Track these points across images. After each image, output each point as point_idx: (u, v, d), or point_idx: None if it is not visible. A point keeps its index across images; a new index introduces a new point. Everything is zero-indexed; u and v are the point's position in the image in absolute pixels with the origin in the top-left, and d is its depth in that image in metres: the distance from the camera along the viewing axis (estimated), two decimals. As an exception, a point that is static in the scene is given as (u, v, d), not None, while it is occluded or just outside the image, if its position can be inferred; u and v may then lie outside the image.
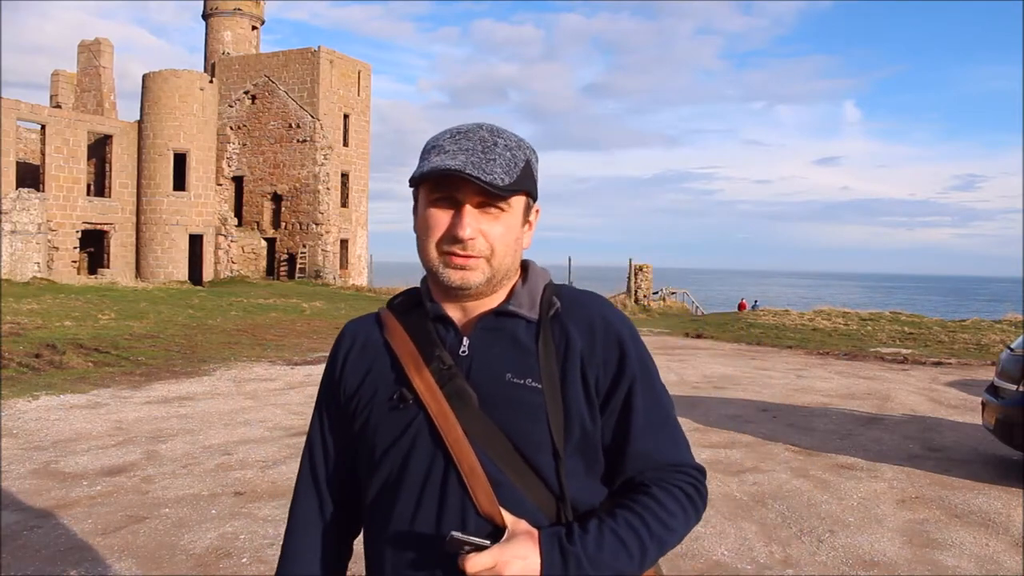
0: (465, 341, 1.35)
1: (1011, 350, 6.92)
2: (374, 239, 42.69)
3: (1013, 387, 6.50)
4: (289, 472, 6.16)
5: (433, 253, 1.32)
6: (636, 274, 33.25)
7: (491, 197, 1.28)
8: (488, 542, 1.19)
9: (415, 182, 1.33)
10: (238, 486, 5.80)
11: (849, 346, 17.23)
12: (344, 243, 38.00)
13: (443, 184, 1.29)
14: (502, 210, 1.31)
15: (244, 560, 4.41)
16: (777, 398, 10.28)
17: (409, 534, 1.30)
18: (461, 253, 1.29)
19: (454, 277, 1.31)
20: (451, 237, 1.29)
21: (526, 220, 1.38)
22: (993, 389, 6.90)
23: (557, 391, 1.30)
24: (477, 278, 1.31)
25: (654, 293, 35.65)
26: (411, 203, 1.38)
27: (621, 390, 1.34)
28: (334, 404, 1.46)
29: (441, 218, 1.31)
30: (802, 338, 18.78)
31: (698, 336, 19.42)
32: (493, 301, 1.37)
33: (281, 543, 1.50)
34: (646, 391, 1.36)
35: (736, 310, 33.33)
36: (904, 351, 16.32)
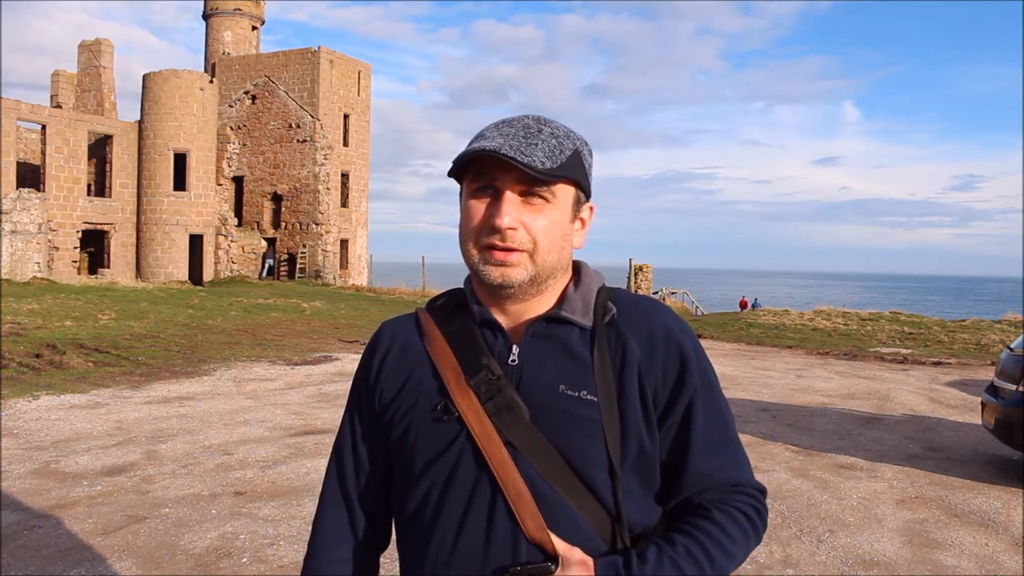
0: (515, 349, 1.27)
1: (1011, 350, 6.92)
2: (374, 239, 42.76)
3: (1013, 387, 6.50)
4: (289, 472, 6.16)
5: (473, 248, 1.24)
6: (636, 274, 33.27)
7: (532, 184, 1.20)
8: (552, 565, 1.15)
9: (456, 173, 1.26)
10: (238, 486, 5.80)
11: (849, 346, 17.23)
12: (344, 243, 38.00)
13: (483, 172, 1.22)
14: (546, 200, 1.22)
15: (244, 560, 4.41)
16: (777, 398, 10.29)
17: (453, 555, 1.23)
18: (501, 246, 1.21)
19: (494, 274, 1.22)
20: (489, 227, 1.21)
21: (576, 216, 1.28)
22: (993, 389, 6.90)
23: (614, 404, 1.23)
24: (519, 275, 1.22)
25: (654, 293, 35.70)
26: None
27: (680, 405, 1.26)
28: (368, 411, 1.37)
29: (480, 208, 1.23)
30: (802, 338, 18.78)
31: (698, 336, 19.40)
32: (543, 305, 1.29)
33: (304, 557, 1.42)
34: (707, 406, 1.28)
35: (738, 309, 33.35)
36: (904, 351, 16.32)
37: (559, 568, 1.16)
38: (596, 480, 1.22)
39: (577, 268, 1.34)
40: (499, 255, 1.22)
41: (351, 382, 1.45)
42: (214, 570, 4.27)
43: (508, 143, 1.19)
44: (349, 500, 1.39)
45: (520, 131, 1.22)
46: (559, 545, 1.17)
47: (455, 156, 1.27)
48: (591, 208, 1.33)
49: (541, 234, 1.22)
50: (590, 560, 1.17)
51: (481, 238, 1.23)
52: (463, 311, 1.33)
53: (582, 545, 1.19)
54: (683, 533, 1.22)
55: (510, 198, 1.21)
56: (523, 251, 1.22)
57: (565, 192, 1.25)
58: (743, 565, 4.42)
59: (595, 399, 1.22)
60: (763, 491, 1.31)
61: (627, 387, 1.24)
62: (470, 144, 1.25)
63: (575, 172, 1.24)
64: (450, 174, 1.28)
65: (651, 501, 1.28)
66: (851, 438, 7.88)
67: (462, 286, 1.38)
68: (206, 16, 39.19)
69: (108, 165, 32.24)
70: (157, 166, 32.19)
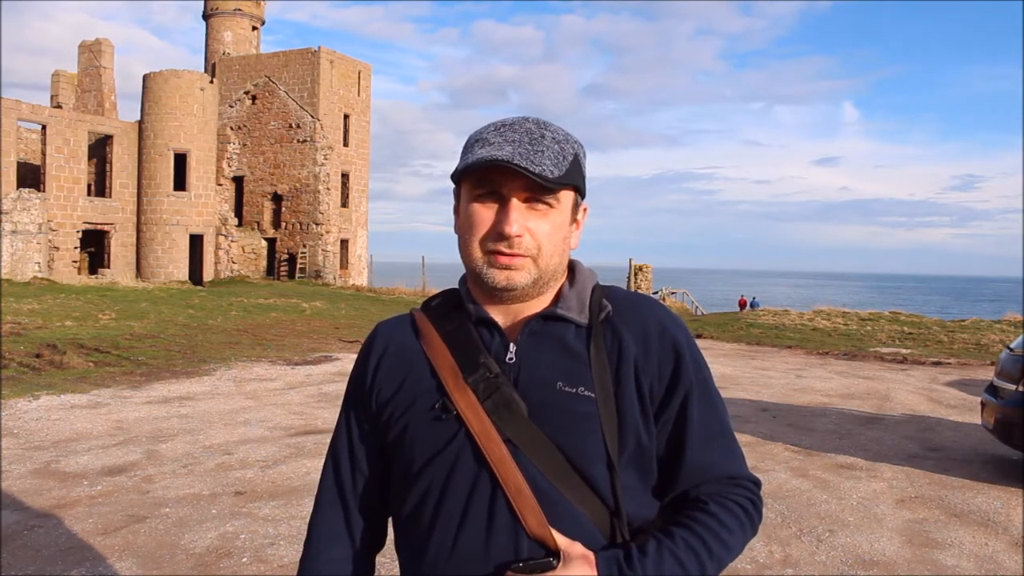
0: (511, 347, 1.28)
1: (1010, 350, 6.92)
2: (374, 239, 42.77)
3: (1012, 387, 6.50)
4: (289, 472, 6.17)
5: (477, 252, 1.25)
6: (636, 274, 33.29)
7: (539, 191, 1.22)
8: (553, 560, 1.16)
9: (458, 176, 1.27)
10: (238, 486, 5.81)
11: (849, 346, 17.23)
12: (344, 243, 38.01)
13: (488, 178, 1.22)
14: (550, 206, 1.24)
15: (244, 560, 4.42)
16: (777, 398, 10.29)
17: (454, 552, 1.23)
18: (507, 252, 1.22)
19: (499, 278, 1.24)
20: (497, 234, 1.22)
21: (574, 218, 1.31)
22: (992, 389, 6.91)
23: (611, 400, 1.24)
24: (523, 279, 1.24)
25: (654, 293, 35.70)
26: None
27: (676, 399, 1.28)
28: (365, 411, 1.37)
29: (485, 215, 1.24)
30: (802, 338, 18.78)
31: (698, 336, 19.41)
32: (539, 304, 1.30)
33: (300, 558, 1.41)
34: (702, 400, 1.30)
35: (737, 309, 33.36)
36: (904, 351, 16.33)
37: (560, 563, 1.16)
38: (595, 475, 1.23)
39: (571, 267, 1.36)
40: (504, 259, 1.23)
41: (347, 382, 1.45)
42: (214, 570, 4.28)
43: (517, 151, 1.20)
44: (345, 500, 1.39)
45: (524, 137, 1.22)
46: (560, 540, 1.18)
47: (460, 160, 1.27)
48: (584, 209, 1.35)
49: (545, 239, 1.24)
50: (591, 555, 1.17)
51: (487, 244, 1.24)
52: (459, 311, 1.34)
53: (582, 540, 1.19)
54: (681, 526, 1.24)
55: (517, 206, 1.22)
56: (527, 256, 1.24)
57: (567, 197, 1.27)
58: (743, 565, 4.43)
59: (592, 395, 1.24)
60: (757, 483, 1.34)
61: (624, 382, 1.25)
62: (472, 148, 1.25)
63: (576, 178, 1.26)
64: (453, 177, 1.29)
65: (649, 495, 1.29)
66: (851, 438, 7.88)
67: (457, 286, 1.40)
68: (206, 16, 39.20)
69: (108, 165, 32.25)
70: (157, 166, 32.19)
